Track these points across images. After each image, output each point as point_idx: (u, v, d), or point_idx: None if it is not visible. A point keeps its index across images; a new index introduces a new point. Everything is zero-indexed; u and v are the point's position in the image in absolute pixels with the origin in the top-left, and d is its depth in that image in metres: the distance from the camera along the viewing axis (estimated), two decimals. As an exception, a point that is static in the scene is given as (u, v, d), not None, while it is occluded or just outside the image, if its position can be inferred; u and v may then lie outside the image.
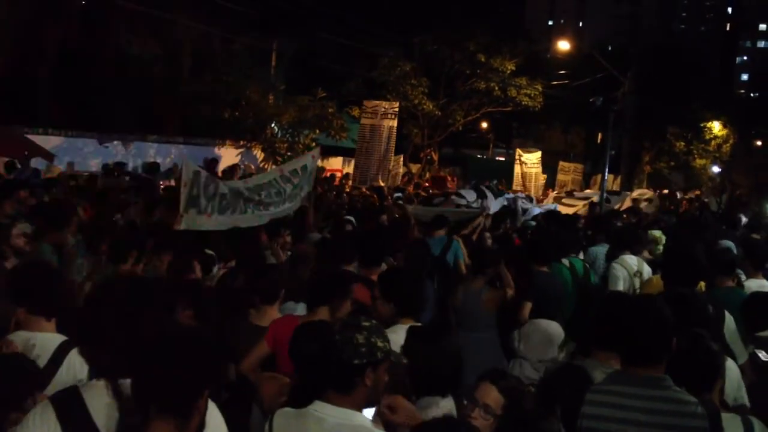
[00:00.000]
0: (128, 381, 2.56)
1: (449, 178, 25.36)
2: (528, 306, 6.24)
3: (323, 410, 2.91)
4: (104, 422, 2.56)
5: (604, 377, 3.34)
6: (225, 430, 2.77)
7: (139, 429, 2.38)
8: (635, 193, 18.94)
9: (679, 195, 28.15)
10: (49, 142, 16.56)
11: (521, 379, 4.33)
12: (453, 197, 12.53)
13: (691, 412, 3.05)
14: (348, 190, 17.88)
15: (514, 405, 3.18)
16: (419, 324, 4.37)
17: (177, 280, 5.10)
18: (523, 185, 24.14)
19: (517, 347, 4.94)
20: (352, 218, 9.61)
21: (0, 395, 2.90)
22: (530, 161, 25.44)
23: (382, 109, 20.94)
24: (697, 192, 31.54)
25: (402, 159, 25.31)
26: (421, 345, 3.62)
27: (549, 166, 28.28)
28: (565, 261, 7.39)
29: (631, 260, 7.70)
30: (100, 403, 2.58)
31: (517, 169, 25.28)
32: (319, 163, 23.24)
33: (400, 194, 15.65)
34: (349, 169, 26.09)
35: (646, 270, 7.72)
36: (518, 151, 26.60)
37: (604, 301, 4.14)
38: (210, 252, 6.45)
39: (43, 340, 3.31)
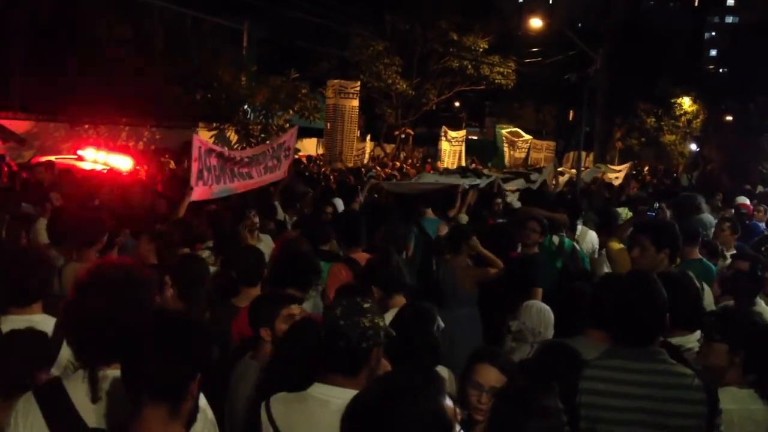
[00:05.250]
0: (110, 371, 2.58)
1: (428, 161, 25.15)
2: (539, 292, 5.83)
3: (327, 392, 2.85)
4: (86, 413, 2.58)
5: (601, 352, 3.33)
6: (210, 414, 2.79)
7: (127, 419, 2.38)
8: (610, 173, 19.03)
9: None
10: (19, 126, 16.32)
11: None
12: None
13: (687, 384, 3.07)
14: (324, 170, 17.84)
15: (512, 382, 3.20)
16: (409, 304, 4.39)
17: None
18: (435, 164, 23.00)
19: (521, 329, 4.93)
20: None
21: (16, 368, 2.93)
22: (455, 139, 24.89)
23: (340, 88, 20.91)
24: (646, 167, 31.75)
25: (369, 139, 25.23)
26: (404, 326, 3.58)
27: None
28: (555, 238, 7.48)
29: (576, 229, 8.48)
30: (83, 394, 2.60)
31: (444, 146, 24.35)
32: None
33: (372, 174, 15.67)
34: (322, 150, 26.01)
35: (590, 237, 8.41)
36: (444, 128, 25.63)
37: (601, 281, 4.15)
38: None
39: (40, 322, 3.36)
